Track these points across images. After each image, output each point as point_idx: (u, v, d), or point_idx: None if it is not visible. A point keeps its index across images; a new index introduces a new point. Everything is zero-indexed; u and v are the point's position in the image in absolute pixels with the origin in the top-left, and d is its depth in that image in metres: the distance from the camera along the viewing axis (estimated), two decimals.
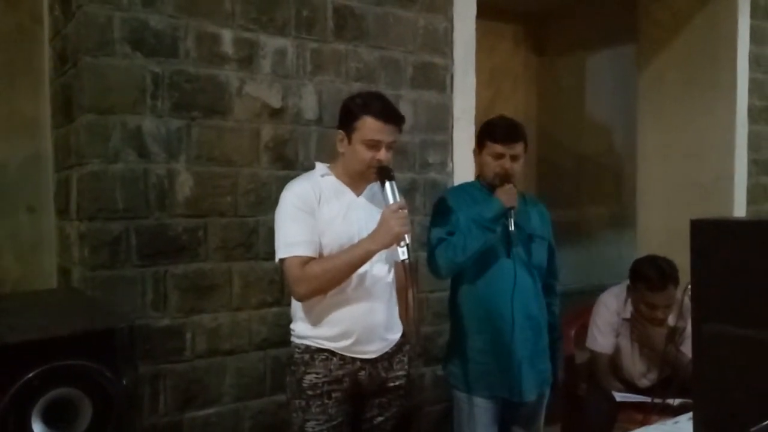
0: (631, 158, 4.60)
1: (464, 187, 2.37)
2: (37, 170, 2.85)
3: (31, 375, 1.28)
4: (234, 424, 2.45)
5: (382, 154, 1.88)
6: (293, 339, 1.99)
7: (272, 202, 2.30)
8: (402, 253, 1.81)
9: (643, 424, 2.00)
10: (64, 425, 1.42)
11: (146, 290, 2.27)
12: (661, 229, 4.01)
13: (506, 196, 2.08)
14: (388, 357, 1.98)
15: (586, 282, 5.11)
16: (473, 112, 2.99)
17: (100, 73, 2.19)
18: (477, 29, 3.02)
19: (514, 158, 2.15)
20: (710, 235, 1.54)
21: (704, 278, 1.52)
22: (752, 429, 1.05)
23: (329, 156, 2.08)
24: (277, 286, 2.50)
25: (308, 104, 2.58)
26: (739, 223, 1.59)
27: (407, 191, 2.79)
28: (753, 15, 3.94)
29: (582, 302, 3.17)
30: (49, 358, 1.31)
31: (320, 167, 2.01)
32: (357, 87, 2.62)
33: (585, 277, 5.29)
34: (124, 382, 1.38)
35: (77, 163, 2.28)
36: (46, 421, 1.39)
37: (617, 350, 2.68)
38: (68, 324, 1.45)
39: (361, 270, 1.88)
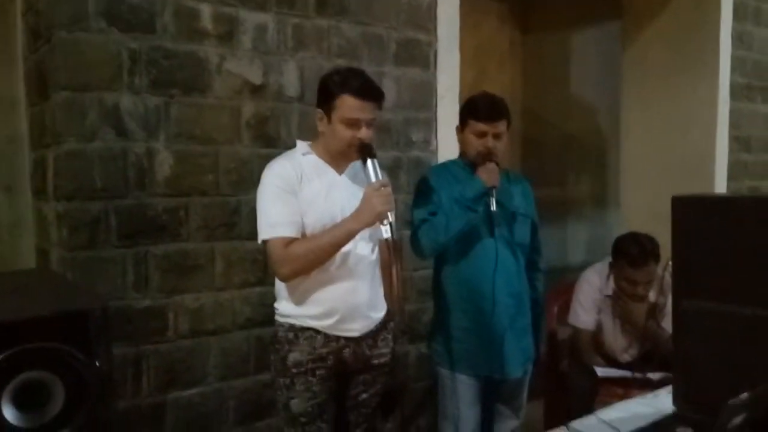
0: (616, 136, 4.61)
1: (447, 165, 2.35)
2: (14, 150, 2.79)
3: (0, 357, 1.26)
4: (218, 404, 2.44)
5: (363, 132, 1.85)
6: (277, 318, 1.98)
7: (254, 181, 2.27)
8: (385, 231, 1.80)
9: (623, 398, 2.03)
10: (36, 409, 1.39)
11: (127, 271, 2.24)
12: (645, 207, 4.03)
13: (488, 175, 2.07)
14: (372, 335, 1.98)
15: (569, 259, 5.15)
16: (457, 90, 2.97)
17: (75, 49, 2.13)
18: (461, 6, 2.98)
19: (496, 136, 2.14)
20: (691, 212, 1.55)
21: (684, 254, 1.53)
22: (731, 401, 1.06)
23: (312, 133, 2.05)
24: (260, 266, 2.48)
25: (290, 81, 2.54)
26: (719, 200, 1.60)
27: (391, 169, 2.77)
28: None
29: (565, 279, 3.20)
30: (20, 340, 1.28)
31: (301, 146, 1.98)
32: (339, 63, 2.58)
33: (569, 255, 5.33)
34: (98, 364, 1.35)
35: (53, 142, 2.24)
36: (17, 404, 1.36)
37: (599, 326, 2.71)
38: (40, 305, 1.42)
39: (345, 249, 1.87)
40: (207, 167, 2.38)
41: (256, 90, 2.47)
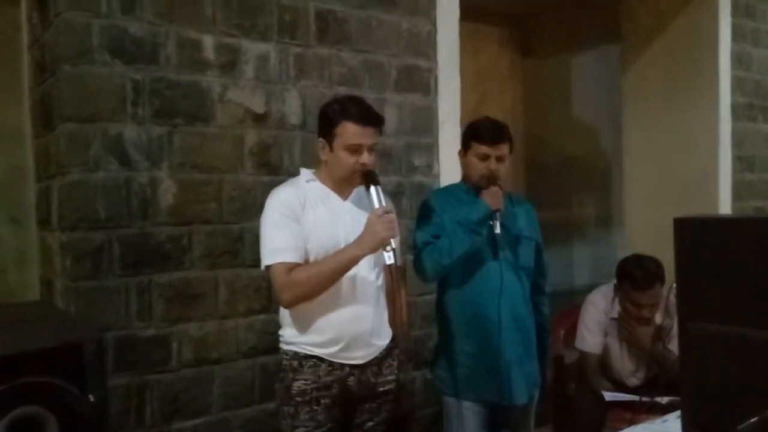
0: (618, 158, 4.62)
1: (449, 189, 2.36)
2: (21, 181, 2.81)
3: None
4: None
5: (365, 158, 1.87)
6: (281, 345, 1.97)
7: (257, 209, 2.28)
8: (388, 258, 1.80)
9: (632, 422, 2.00)
10: None
11: (130, 300, 2.24)
12: (648, 228, 4.02)
13: (492, 198, 2.07)
14: (377, 362, 1.96)
15: (574, 282, 5.13)
16: (458, 115, 2.99)
17: (80, 82, 2.16)
18: (461, 32, 3.02)
19: (499, 159, 2.14)
20: (694, 233, 1.54)
21: (689, 276, 1.52)
22: (741, 426, 1.04)
23: (314, 161, 2.07)
24: (264, 294, 2.48)
25: (292, 109, 2.57)
26: (722, 221, 1.59)
27: (393, 195, 2.78)
28: (734, 13, 3.98)
29: (571, 302, 3.18)
30: (14, 374, 1.27)
31: (305, 173, 2.00)
32: (341, 91, 2.60)
33: (573, 277, 5.31)
34: (92, 399, 1.34)
35: (58, 173, 2.26)
36: None
37: (606, 350, 2.68)
38: (34, 339, 1.42)
39: (349, 275, 1.87)
40: (210, 195, 2.39)
41: (259, 119, 2.49)
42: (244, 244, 2.45)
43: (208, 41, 2.38)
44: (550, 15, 5.00)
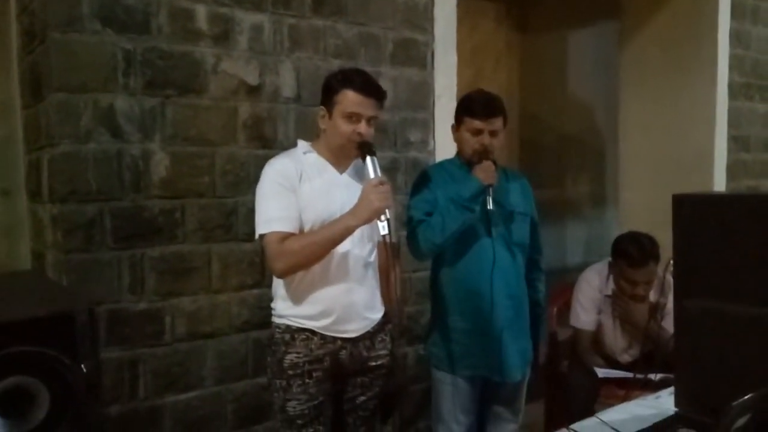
0: (614, 136, 4.60)
1: (443, 164, 2.33)
2: (10, 152, 2.77)
3: None
4: (216, 408, 2.42)
5: (363, 128, 1.86)
6: (274, 318, 1.96)
7: (251, 182, 2.26)
8: (382, 228, 1.79)
9: (624, 399, 2.01)
10: (21, 415, 1.35)
11: (122, 274, 2.22)
12: (643, 206, 4.02)
13: (484, 173, 2.05)
14: (369, 336, 1.96)
15: (568, 260, 5.14)
16: (455, 90, 2.96)
17: (69, 50, 2.12)
18: (458, 7, 2.97)
19: (493, 133, 2.12)
20: (692, 210, 1.54)
21: (686, 253, 1.52)
22: (735, 403, 1.04)
23: (308, 134, 2.04)
24: (257, 268, 2.46)
25: (286, 81, 2.53)
26: (720, 198, 1.58)
27: (388, 170, 2.75)
28: None
29: (563, 280, 3.18)
30: (3, 344, 1.26)
31: (302, 144, 1.98)
32: (336, 64, 2.57)
33: (568, 256, 5.32)
34: (84, 369, 1.32)
35: (48, 144, 2.22)
36: (1, 411, 1.32)
37: (599, 327, 2.69)
38: (25, 308, 1.40)
39: (343, 249, 1.86)
40: (203, 169, 2.37)
41: (252, 91, 2.45)
42: (238, 218, 2.42)
43: (201, 11, 2.33)
44: None
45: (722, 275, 1.43)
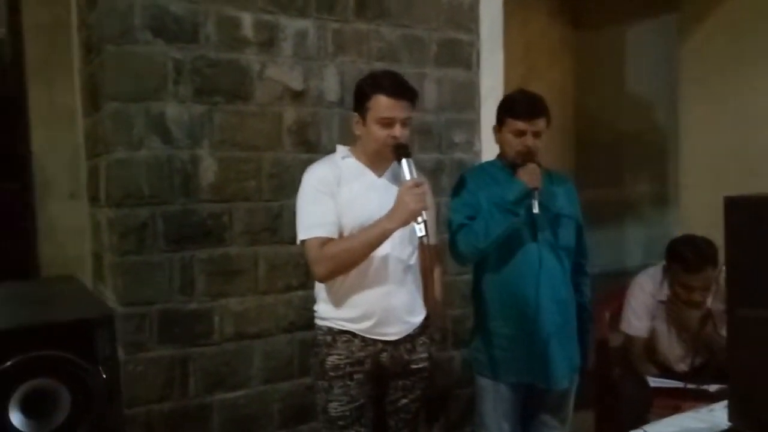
0: (674, 134, 4.43)
1: (484, 167, 2.30)
2: (78, 158, 2.92)
3: (7, 365, 1.30)
4: (263, 407, 2.48)
5: (397, 131, 1.85)
6: (316, 320, 1.99)
7: (296, 186, 2.27)
8: (419, 230, 1.78)
9: (677, 410, 1.94)
10: (43, 416, 1.42)
11: (173, 275, 2.31)
12: (706, 207, 3.80)
13: (529, 176, 2.00)
14: (410, 339, 1.96)
15: (627, 262, 4.99)
16: (501, 90, 2.91)
17: (123, 61, 2.21)
18: (508, 4, 2.93)
19: (536, 134, 2.07)
20: (746, 214, 1.47)
21: (739, 259, 1.45)
22: None
23: (352, 138, 2.06)
24: (303, 270, 2.50)
25: (330, 86, 2.56)
26: None
27: (433, 171, 2.75)
28: None
29: (621, 283, 3.08)
30: (29, 347, 1.32)
31: (341, 150, 2.00)
32: (379, 67, 2.57)
33: (625, 258, 5.16)
34: (104, 374, 1.38)
35: (104, 151, 2.32)
36: (25, 411, 1.39)
37: (653, 333, 2.59)
38: (50, 314, 1.47)
39: (383, 252, 1.86)
40: (250, 173, 2.42)
41: (297, 96, 2.49)
42: (283, 221, 2.47)
43: (247, 19, 2.39)
44: None
45: None
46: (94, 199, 2.65)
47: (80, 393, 1.38)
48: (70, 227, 3.25)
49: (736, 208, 1.47)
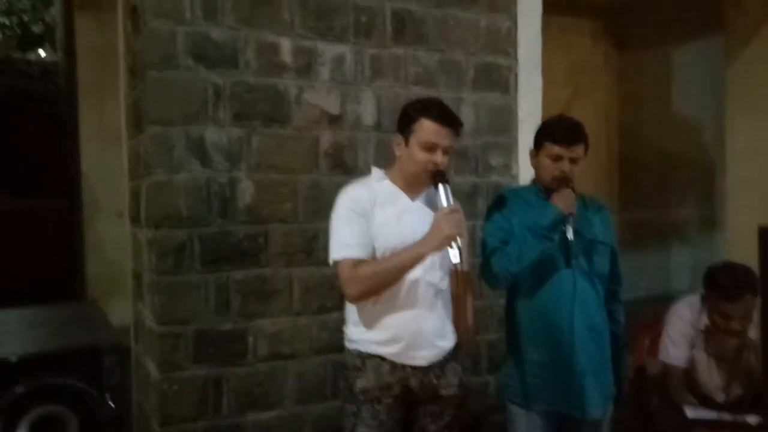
0: (721, 156, 4.32)
1: (519, 191, 2.28)
2: (124, 178, 3.02)
3: (17, 392, 1.33)
4: (295, 428, 2.49)
5: (439, 157, 1.86)
6: (346, 343, 2.00)
7: (331, 209, 2.31)
8: (453, 256, 1.78)
9: None
10: None
11: (209, 295, 2.35)
12: (753, 233, 3.72)
13: (564, 201, 1.98)
14: (440, 365, 1.94)
15: (673, 286, 4.85)
16: (539, 113, 2.90)
17: (165, 86, 2.29)
18: (551, 26, 2.93)
19: (573, 161, 2.04)
20: None
21: None
22: None
23: (388, 162, 2.08)
24: (337, 292, 2.51)
25: (367, 110, 2.59)
26: None
27: (469, 195, 2.75)
28: None
29: (666, 308, 2.99)
30: (37, 374, 1.36)
31: (376, 172, 2.01)
32: (416, 91, 2.60)
33: (671, 282, 5.02)
34: (111, 404, 1.41)
35: (145, 173, 2.39)
36: None
37: (693, 363, 2.51)
38: (60, 341, 1.50)
39: (414, 276, 1.86)
40: (286, 195, 2.46)
41: (334, 120, 2.53)
42: (318, 244, 2.49)
43: (286, 44, 2.45)
44: (647, 5, 4.73)
45: None
46: (135, 220, 2.73)
47: (88, 420, 1.41)
48: (117, 245, 3.35)
49: None
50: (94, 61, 3.76)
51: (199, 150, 2.33)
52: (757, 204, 3.85)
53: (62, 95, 4.16)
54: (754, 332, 2.35)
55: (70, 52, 4.13)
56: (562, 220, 1.98)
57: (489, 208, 2.20)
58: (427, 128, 1.86)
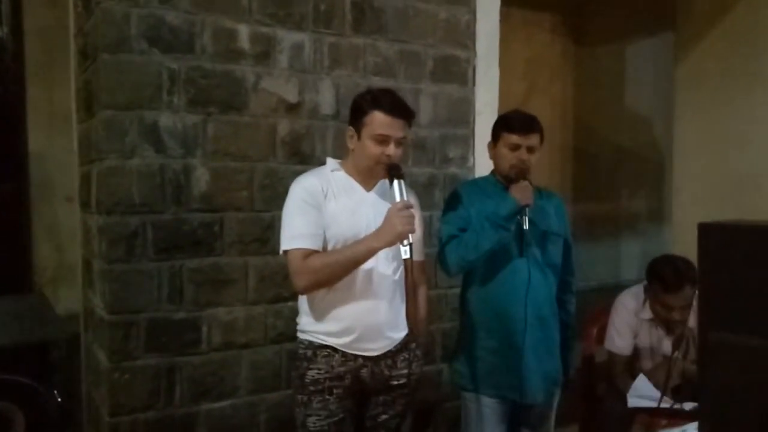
0: (670, 151, 4.45)
1: (477, 182, 2.33)
2: (73, 162, 2.93)
3: None
4: (250, 417, 2.48)
5: (391, 150, 1.86)
6: (298, 333, 2.00)
7: None
8: (404, 252, 1.79)
9: (650, 427, 1.95)
10: None
11: (162, 284, 2.31)
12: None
13: (521, 193, 2.03)
14: (391, 355, 1.96)
15: (623, 277, 5.00)
16: (496, 106, 2.94)
17: (118, 70, 2.23)
18: (512, 19, 2.96)
19: (530, 150, 2.10)
20: (719, 240, 1.48)
21: (712, 284, 1.46)
22: None
23: (345, 152, 2.08)
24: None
25: (325, 99, 2.58)
26: (749, 228, 1.51)
27: (426, 186, 2.77)
28: None
29: (613, 298, 3.08)
30: None
31: (331, 162, 2.01)
32: (375, 81, 2.60)
33: (621, 272, 5.17)
34: (59, 398, 1.39)
35: (97, 158, 2.34)
36: None
37: (636, 351, 2.60)
38: (6, 336, 1.47)
39: (367, 267, 1.87)
40: (242, 184, 2.44)
41: (292, 108, 2.51)
42: (274, 232, 2.47)
43: (244, 31, 2.41)
44: (604, 1, 4.83)
45: (749, 309, 1.37)
46: (85, 205, 2.67)
47: (35, 417, 1.38)
48: (66, 231, 3.26)
49: (709, 234, 1.48)
50: (43, 39, 3.62)
51: (153, 136, 2.28)
52: (702, 198, 3.98)
53: (8, 73, 4.00)
54: (693, 322, 2.45)
55: (17, 29, 3.98)
56: (519, 211, 2.03)
57: (448, 197, 2.24)
58: (378, 121, 1.85)
